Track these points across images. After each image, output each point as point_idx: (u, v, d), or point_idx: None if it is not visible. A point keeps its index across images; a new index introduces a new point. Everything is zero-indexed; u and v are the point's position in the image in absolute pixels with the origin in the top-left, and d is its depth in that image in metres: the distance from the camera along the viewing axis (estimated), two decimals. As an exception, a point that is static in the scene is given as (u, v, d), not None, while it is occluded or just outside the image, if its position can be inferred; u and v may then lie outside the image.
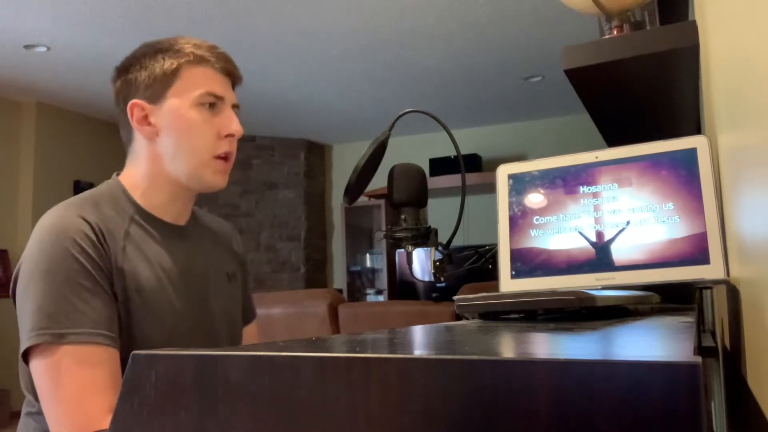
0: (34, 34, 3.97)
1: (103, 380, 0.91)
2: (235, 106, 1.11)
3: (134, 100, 1.06)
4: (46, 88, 4.98)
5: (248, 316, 1.29)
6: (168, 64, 1.05)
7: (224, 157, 1.08)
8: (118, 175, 1.12)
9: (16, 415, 4.63)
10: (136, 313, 0.99)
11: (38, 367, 0.92)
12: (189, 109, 1.05)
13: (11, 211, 5.22)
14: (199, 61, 1.06)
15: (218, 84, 1.08)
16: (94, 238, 0.97)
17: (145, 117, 1.06)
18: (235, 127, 1.08)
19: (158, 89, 1.05)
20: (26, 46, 4.15)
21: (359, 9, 3.71)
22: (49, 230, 0.97)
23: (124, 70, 1.08)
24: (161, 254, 1.06)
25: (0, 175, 5.15)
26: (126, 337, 0.98)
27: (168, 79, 1.05)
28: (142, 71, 1.06)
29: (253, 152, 6.33)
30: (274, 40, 4.14)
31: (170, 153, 1.06)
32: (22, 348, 0.92)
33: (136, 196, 1.08)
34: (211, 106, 1.06)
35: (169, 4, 3.60)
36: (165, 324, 1.02)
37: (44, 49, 4.18)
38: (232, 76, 1.12)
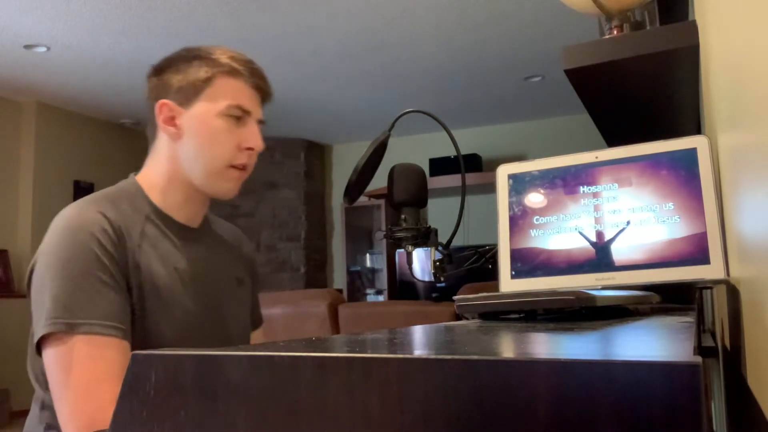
0: (34, 34, 3.97)
1: (113, 371, 0.93)
2: (260, 122, 1.13)
3: (164, 100, 1.08)
4: (46, 88, 4.98)
5: (255, 321, 1.30)
6: (203, 71, 1.07)
7: (240, 168, 1.11)
8: (135, 175, 1.14)
9: (15, 415, 4.63)
10: (150, 309, 1.01)
11: (50, 356, 0.94)
12: (215, 117, 1.07)
13: (11, 211, 5.22)
14: (233, 73, 1.09)
15: (247, 98, 1.10)
16: (111, 233, 0.99)
17: (172, 118, 1.08)
18: (257, 142, 1.10)
19: (189, 94, 1.07)
20: (26, 46, 4.15)
21: (359, 9, 3.71)
22: (68, 223, 0.99)
23: (161, 69, 1.11)
24: (175, 255, 1.08)
25: (0, 176, 5.15)
26: (140, 333, 1.00)
27: (200, 86, 1.07)
28: (177, 74, 1.08)
29: (253, 152, 6.31)
30: (274, 40, 4.14)
31: (189, 156, 1.08)
32: (37, 337, 0.94)
33: (153, 196, 1.10)
34: (238, 118, 1.08)
35: (169, 4, 3.60)
36: (178, 322, 1.04)
37: (44, 49, 4.18)
38: (263, 92, 1.14)
